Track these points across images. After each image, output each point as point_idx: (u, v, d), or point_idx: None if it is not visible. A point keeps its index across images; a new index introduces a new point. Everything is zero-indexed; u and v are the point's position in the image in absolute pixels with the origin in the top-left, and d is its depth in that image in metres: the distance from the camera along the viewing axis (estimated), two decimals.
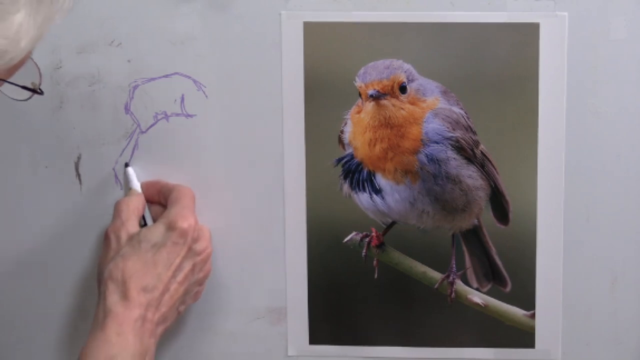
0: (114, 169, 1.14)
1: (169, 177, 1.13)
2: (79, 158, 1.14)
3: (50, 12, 0.83)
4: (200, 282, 1.11)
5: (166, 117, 1.13)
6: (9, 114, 1.12)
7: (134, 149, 1.13)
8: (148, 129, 1.13)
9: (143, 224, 1.11)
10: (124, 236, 1.08)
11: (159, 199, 1.13)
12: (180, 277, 1.07)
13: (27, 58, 0.87)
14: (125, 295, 1.03)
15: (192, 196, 1.11)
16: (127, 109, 1.13)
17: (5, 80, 0.87)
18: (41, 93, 0.97)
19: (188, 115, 1.12)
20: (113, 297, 1.03)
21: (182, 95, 1.12)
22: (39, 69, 0.97)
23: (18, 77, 0.90)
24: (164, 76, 1.12)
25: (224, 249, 1.14)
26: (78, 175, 1.14)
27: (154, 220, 1.11)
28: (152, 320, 1.04)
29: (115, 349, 1.01)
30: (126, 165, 1.13)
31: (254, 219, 1.14)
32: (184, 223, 1.07)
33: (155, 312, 1.05)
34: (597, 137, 1.10)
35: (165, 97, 1.12)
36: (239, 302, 1.15)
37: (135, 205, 1.10)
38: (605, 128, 1.10)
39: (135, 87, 1.12)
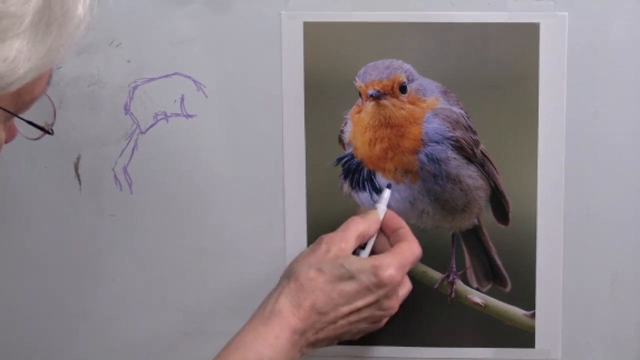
0: (113, 170, 1.14)
1: (168, 177, 1.13)
2: (78, 158, 1.14)
3: (56, 44, 0.79)
4: (351, 334, 1.07)
5: (166, 117, 1.13)
6: None
7: (133, 149, 1.13)
8: (148, 129, 1.13)
9: (362, 246, 1.08)
10: (333, 252, 1.05)
11: (389, 235, 1.10)
12: (352, 318, 1.05)
13: (39, 94, 0.84)
14: (299, 304, 1.02)
15: (417, 258, 1.08)
16: (126, 110, 1.13)
17: (15, 115, 0.84)
18: (51, 133, 0.93)
19: (188, 116, 1.12)
20: (288, 299, 1.03)
21: (182, 95, 1.12)
22: (54, 107, 0.93)
23: (32, 115, 0.87)
24: (163, 76, 1.12)
25: (223, 249, 1.14)
26: (77, 175, 1.14)
27: (372, 250, 1.08)
28: (308, 340, 1.03)
29: (269, 351, 1.01)
30: (389, 186, 1.10)
31: (254, 218, 1.14)
32: (389, 275, 1.04)
33: (313, 335, 1.04)
34: (597, 137, 1.10)
35: (165, 98, 1.12)
36: (239, 302, 1.15)
37: (365, 232, 1.07)
38: (605, 128, 1.10)
39: (135, 88, 1.12)
